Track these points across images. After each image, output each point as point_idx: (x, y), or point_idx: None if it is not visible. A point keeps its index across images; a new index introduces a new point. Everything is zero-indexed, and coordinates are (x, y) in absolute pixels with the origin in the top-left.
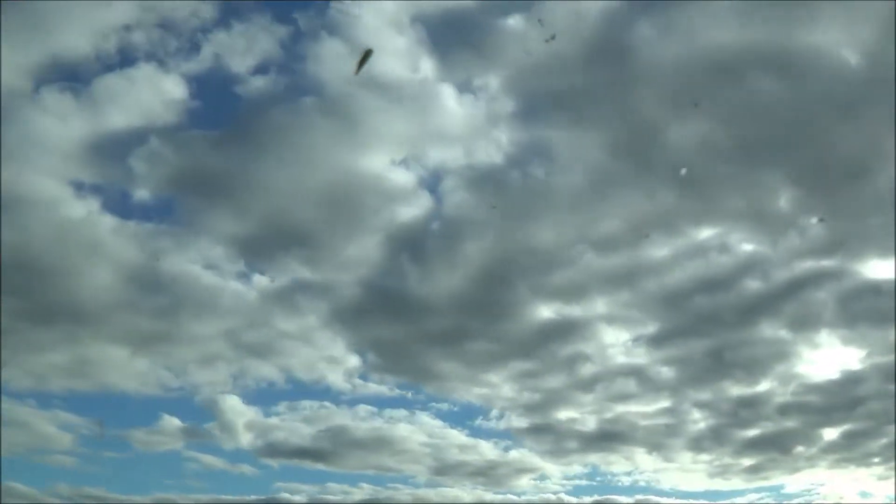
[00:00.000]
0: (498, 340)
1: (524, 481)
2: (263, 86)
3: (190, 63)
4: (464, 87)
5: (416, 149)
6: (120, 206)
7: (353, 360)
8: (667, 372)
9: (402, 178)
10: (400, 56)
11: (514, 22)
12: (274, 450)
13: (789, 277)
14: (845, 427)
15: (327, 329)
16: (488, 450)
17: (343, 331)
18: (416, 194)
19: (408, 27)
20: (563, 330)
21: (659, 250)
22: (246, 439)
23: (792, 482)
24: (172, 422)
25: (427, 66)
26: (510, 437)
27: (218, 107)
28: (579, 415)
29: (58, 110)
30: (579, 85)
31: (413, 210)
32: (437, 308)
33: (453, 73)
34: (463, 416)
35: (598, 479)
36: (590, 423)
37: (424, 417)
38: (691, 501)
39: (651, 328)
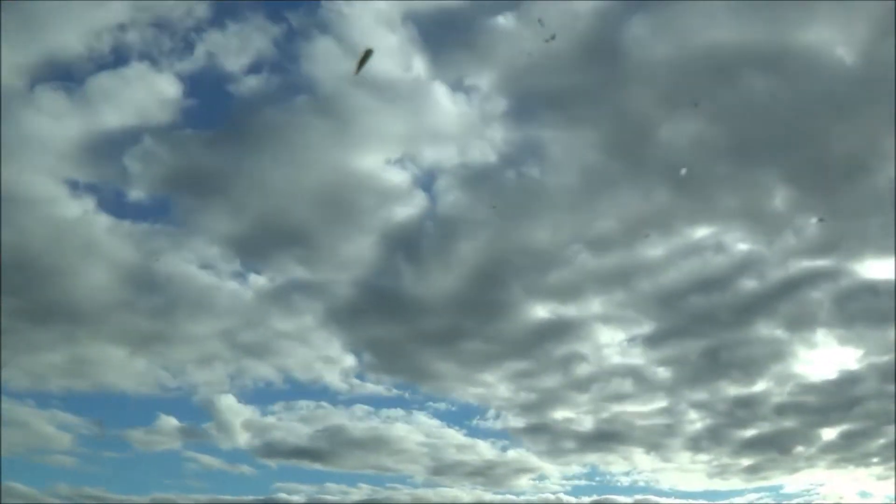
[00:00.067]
0: (494, 340)
1: (523, 481)
2: (257, 85)
3: (184, 62)
4: (457, 86)
5: (411, 148)
6: (115, 205)
7: (350, 360)
8: (664, 372)
9: (397, 177)
10: (392, 55)
11: (506, 21)
12: (272, 450)
13: (785, 277)
14: (844, 427)
15: (323, 329)
16: (486, 450)
17: (339, 330)
18: (411, 194)
19: (399, 26)
20: (559, 330)
21: (654, 250)
22: (244, 439)
23: (791, 482)
24: (171, 422)
25: (419, 65)
26: (507, 436)
27: (212, 106)
28: (577, 415)
29: (52, 109)
30: (573, 84)
31: (408, 209)
32: (433, 308)
33: (446, 72)
34: (460, 416)
35: (598, 479)
36: (587, 424)
37: (422, 417)
38: (690, 501)
39: (647, 328)
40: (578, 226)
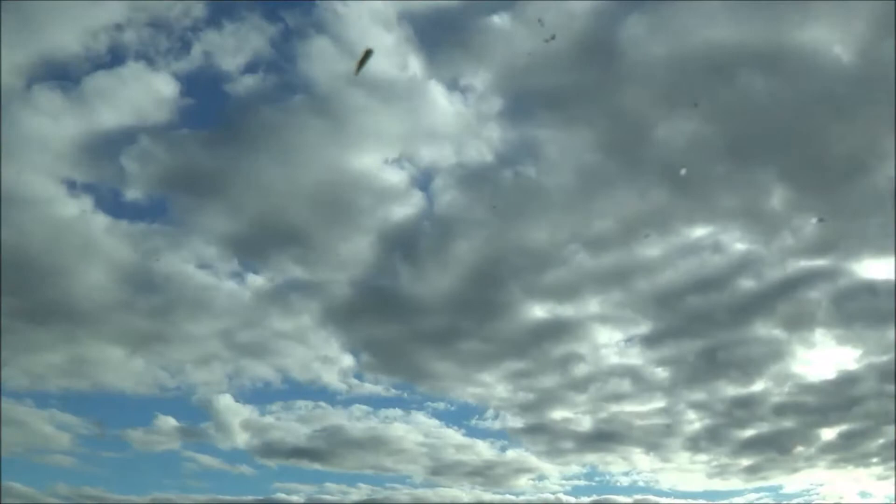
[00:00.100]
0: (491, 340)
1: (522, 481)
2: (254, 85)
3: (181, 62)
4: (453, 86)
5: (408, 147)
6: (112, 205)
7: (348, 360)
8: (662, 372)
9: (395, 177)
10: (388, 54)
11: (502, 20)
12: (271, 450)
13: (783, 277)
14: (843, 427)
15: (322, 329)
16: (485, 449)
17: (337, 330)
18: (409, 193)
19: (395, 25)
20: (557, 330)
21: (652, 250)
22: (243, 439)
23: (791, 482)
24: (169, 422)
25: (415, 65)
26: (506, 436)
27: (209, 106)
28: (575, 415)
29: (49, 109)
30: (570, 83)
31: (406, 209)
32: (431, 307)
33: (441, 72)
34: (458, 416)
35: (597, 479)
36: (586, 424)
37: (420, 417)
38: (690, 501)
39: (645, 328)
40: (576, 225)
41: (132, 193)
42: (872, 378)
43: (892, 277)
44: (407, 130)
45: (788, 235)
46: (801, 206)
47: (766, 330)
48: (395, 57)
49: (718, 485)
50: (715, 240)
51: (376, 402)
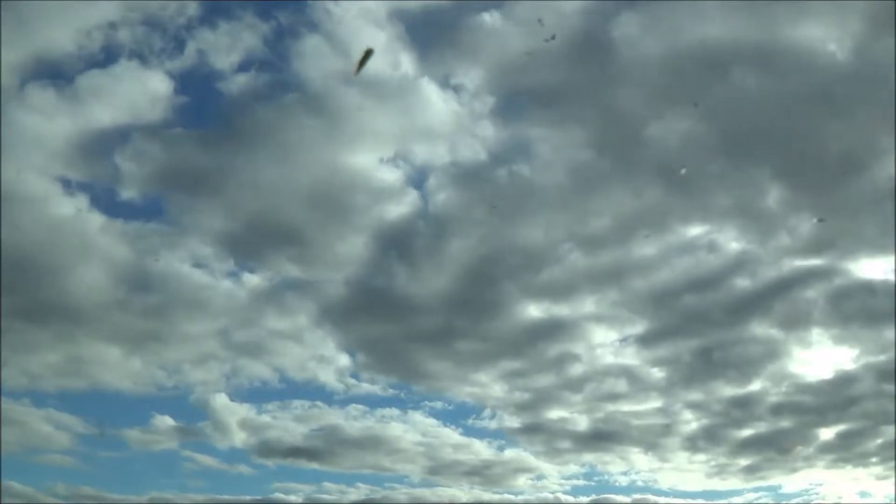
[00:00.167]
0: (487, 339)
1: (521, 481)
2: (248, 83)
3: (174, 61)
4: (445, 84)
5: (402, 146)
6: (107, 204)
7: (345, 360)
8: (658, 372)
9: (390, 175)
10: (380, 53)
11: (492, 18)
12: (269, 449)
13: (779, 276)
14: (841, 427)
15: (318, 328)
16: (483, 449)
17: (333, 330)
18: (404, 192)
19: (386, 24)
20: (553, 329)
21: (647, 249)
22: (241, 439)
23: (790, 482)
24: (167, 421)
25: (407, 63)
26: (504, 436)
27: (203, 105)
28: (573, 415)
29: (43, 107)
30: (563, 82)
31: (401, 208)
32: (426, 307)
33: (433, 70)
34: (456, 415)
35: (596, 478)
36: (583, 424)
37: (417, 416)
38: (689, 501)
39: (641, 328)
40: (571, 224)
41: (127, 192)
42: (870, 378)
43: (888, 276)
44: (401, 129)
45: (784, 234)
46: (796, 205)
47: (762, 329)
48: (387, 55)
49: (717, 484)
50: (710, 239)
51: (373, 402)
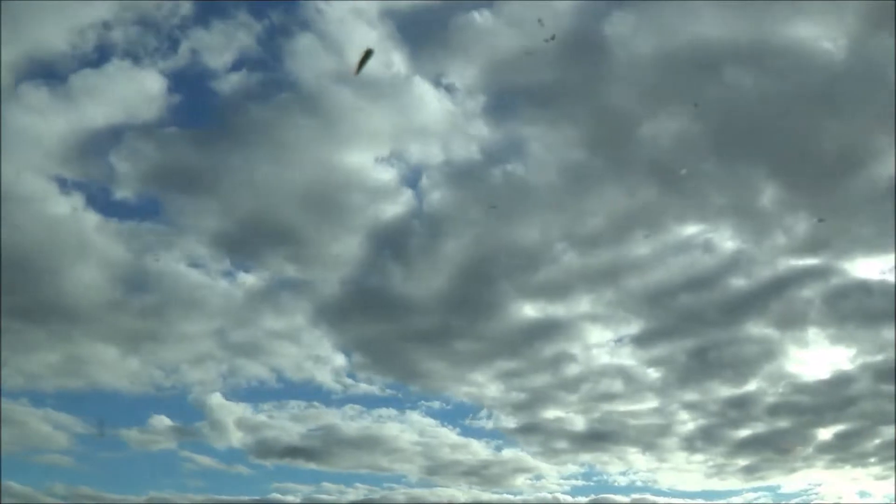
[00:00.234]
0: (482, 339)
1: (520, 481)
2: (242, 82)
3: (168, 60)
4: (437, 83)
5: (396, 145)
6: (103, 203)
7: (341, 360)
8: (654, 372)
9: (385, 175)
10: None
11: (483, 18)
12: (268, 449)
13: (775, 275)
14: (839, 427)
15: (314, 328)
16: (480, 449)
17: (330, 330)
18: (399, 191)
19: (377, 22)
20: (548, 329)
21: (642, 248)
22: (240, 439)
23: (789, 482)
24: (165, 421)
25: (399, 62)
26: (501, 436)
27: (198, 104)
28: (570, 415)
29: (37, 107)
30: (557, 81)
31: (396, 207)
32: (421, 306)
33: (425, 68)
34: (453, 415)
35: (595, 478)
36: (580, 424)
37: (415, 416)
38: (689, 501)
39: (637, 327)
40: (565, 224)
41: (122, 192)
42: (867, 378)
43: (885, 276)
44: (394, 128)
45: (780, 234)
46: (792, 204)
47: (758, 329)
48: (379, 54)
49: (717, 484)
50: (706, 238)
51: (370, 402)
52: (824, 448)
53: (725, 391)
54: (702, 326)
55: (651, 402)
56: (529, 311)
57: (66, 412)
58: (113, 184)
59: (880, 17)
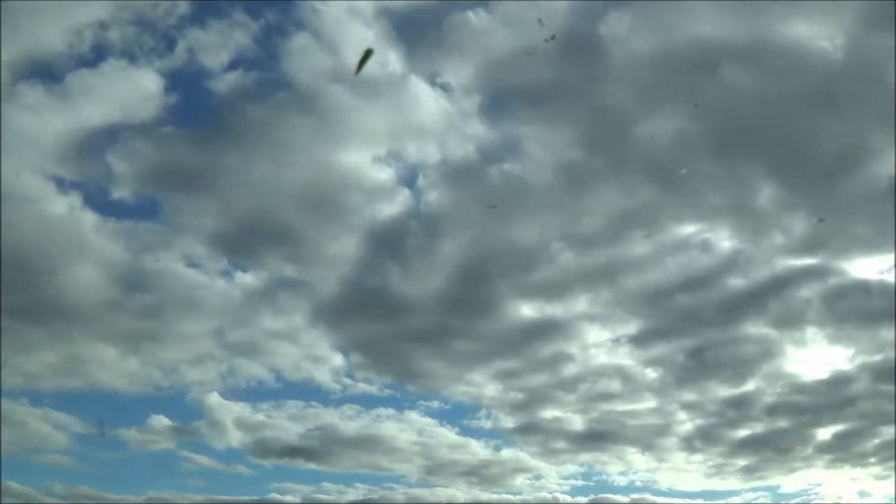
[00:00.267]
0: (480, 339)
1: (519, 481)
2: (238, 81)
3: (165, 60)
4: (434, 82)
5: (393, 145)
6: (100, 203)
7: (339, 359)
8: (652, 372)
9: (382, 174)
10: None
11: (478, 17)
12: (267, 449)
13: (773, 275)
14: (839, 427)
15: (313, 328)
16: (479, 449)
17: (328, 330)
18: (396, 191)
19: (373, 21)
20: (546, 329)
21: (640, 248)
22: (239, 439)
23: (789, 482)
24: (164, 421)
25: (395, 61)
26: (500, 436)
27: (195, 104)
28: (569, 414)
29: (34, 106)
30: (554, 81)
31: (393, 207)
32: (419, 306)
33: (421, 67)
34: (452, 415)
35: (595, 478)
36: (578, 423)
37: (413, 416)
38: (689, 501)
39: (634, 327)
40: (563, 223)
41: (119, 191)
42: (866, 378)
43: (883, 276)
44: (390, 127)
45: (777, 233)
46: (790, 203)
47: (756, 329)
48: (375, 53)
49: (717, 484)
50: (703, 238)
51: (368, 402)
52: (824, 448)
53: (724, 391)
54: (700, 326)
55: (649, 402)
56: (527, 310)
57: (65, 412)
58: (110, 183)
59: (878, 17)
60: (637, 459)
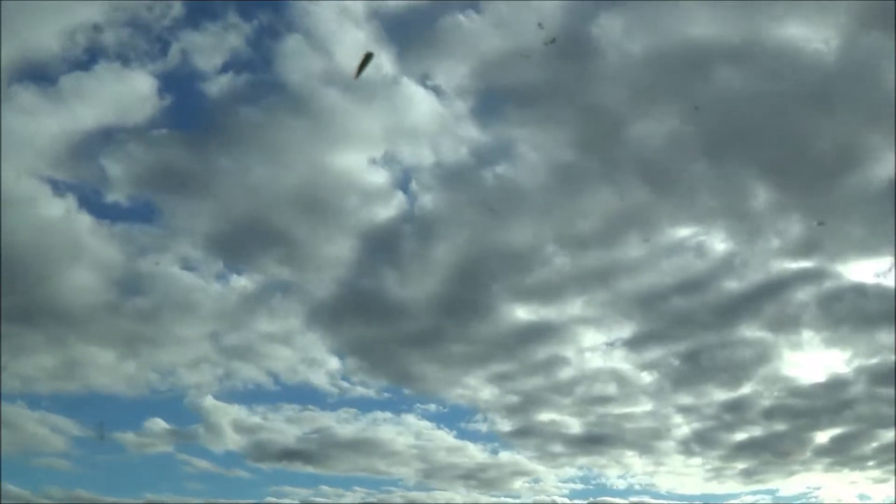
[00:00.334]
0: (476, 342)
1: (518, 484)
2: (232, 84)
3: (159, 62)
4: (425, 84)
5: (385, 147)
6: (95, 205)
7: (335, 363)
8: (649, 375)
9: (376, 177)
10: (360, 52)
11: (470, 19)
12: (264, 453)
13: (768, 278)
14: (836, 430)
15: (309, 331)
16: (477, 452)
17: (324, 333)
18: (390, 194)
19: (364, 23)
20: (541, 332)
21: (634, 251)
22: (236, 442)
23: (788, 485)
24: (161, 424)
25: (387, 62)
26: (497, 439)
27: (189, 106)
28: (563, 417)
29: (29, 108)
30: (546, 82)
31: (388, 210)
32: (415, 309)
33: (413, 69)
34: (448, 419)
35: (594, 482)
36: (575, 427)
37: (410, 419)
38: None
39: (630, 330)
40: (557, 226)
41: (114, 194)
42: (863, 381)
43: (879, 279)
44: (382, 129)
45: (773, 236)
46: (785, 206)
47: (752, 332)
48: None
49: (716, 488)
50: (699, 241)
51: (365, 405)
52: (822, 451)
53: (721, 394)
54: (696, 329)
55: (646, 406)
56: (522, 313)
57: (63, 415)
58: (104, 186)
59: (872, 17)
60: (635, 463)
